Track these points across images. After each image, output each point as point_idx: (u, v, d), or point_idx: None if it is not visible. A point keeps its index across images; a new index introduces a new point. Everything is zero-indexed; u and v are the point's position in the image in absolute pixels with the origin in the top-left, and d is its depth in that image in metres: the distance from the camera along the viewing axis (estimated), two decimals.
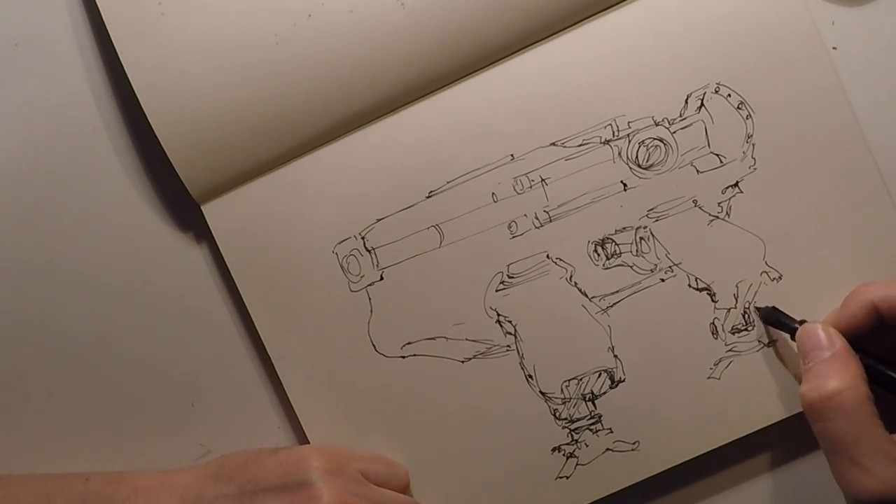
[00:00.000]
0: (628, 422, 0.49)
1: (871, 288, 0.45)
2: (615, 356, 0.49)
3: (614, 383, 0.49)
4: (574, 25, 0.49)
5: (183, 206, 0.50)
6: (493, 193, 0.49)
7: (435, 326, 0.50)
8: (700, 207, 0.49)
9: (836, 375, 0.43)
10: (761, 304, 0.48)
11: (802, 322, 0.47)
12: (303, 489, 0.45)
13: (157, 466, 0.49)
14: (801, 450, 0.51)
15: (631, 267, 0.49)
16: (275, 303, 0.50)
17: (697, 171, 0.49)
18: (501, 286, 0.49)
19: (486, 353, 0.50)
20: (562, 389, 0.49)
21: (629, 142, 0.49)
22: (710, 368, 0.49)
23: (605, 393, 0.49)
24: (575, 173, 0.49)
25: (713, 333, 0.49)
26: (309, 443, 0.50)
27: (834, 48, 0.49)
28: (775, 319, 0.48)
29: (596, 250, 0.49)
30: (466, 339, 0.50)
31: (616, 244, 0.49)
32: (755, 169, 0.48)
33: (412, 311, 0.50)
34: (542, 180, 0.49)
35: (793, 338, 0.47)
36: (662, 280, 0.49)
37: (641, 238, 0.49)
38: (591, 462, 0.50)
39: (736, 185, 0.49)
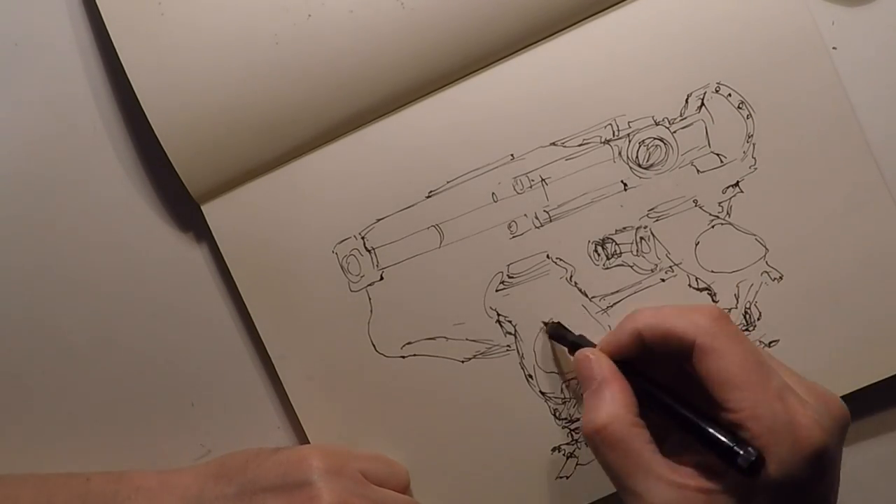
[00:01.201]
0: None
1: (640, 315, 0.45)
2: None
3: None
4: (574, 25, 0.49)
5: (183, 206, 0.50)
6: (493, 193, 0.49)
7: (435, 326, 0.50)
8: (700, 207, 0.49)
9: (601, 408, 0.43)
10: (547, 319, 0.49)
11: (580, 336, 0.47)
12: (303, 489, 0.45)
13: (157, 466, 0.49)
14: None
15: (631, 267, 0.49)
16: (275, 303, 0.50)
17: (698, 170, 0.49)
18: (501, 286, 0.49)
19: (486, 353, 0.50)
20: (562, 389, 0.49)
21: (629, 141, 0.49)
22: None
23: None
24: (575, 173, 0.49)
25: None
26: (309, 443, 0.50)
27: (834, 48, 0.48)
28: (559, 335, 0.48)
29: (596, 250, 0.49)
30: (466, 339, 0.50)
31: (616, 244, 0.49)
32: (756, 169, 0.48)
33: (412, 311, 0.50)
34: (542, 180, 0.49)
35: (571, 353, 0.48)
36: (663, 280, 0.49)
37: (642, 238, 0.49)
38: (591, 462, 0.49)
39: (736, 184, 0.49)
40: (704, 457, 0.42)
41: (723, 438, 0.41)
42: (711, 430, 0.42)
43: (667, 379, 0.45)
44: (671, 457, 0.43)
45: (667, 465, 0.42)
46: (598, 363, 0.45)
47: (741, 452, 0.40)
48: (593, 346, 0.47)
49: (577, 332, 0.48)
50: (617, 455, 0.42)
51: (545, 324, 0.49)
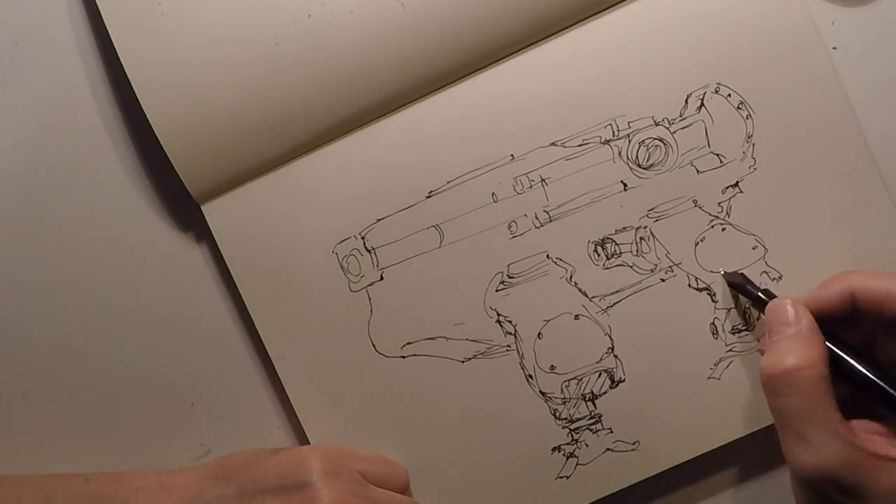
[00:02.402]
0: (628, 422, 0.49)
1: (854, 276, 0.45)
2: (615, 356, 0.49)
3: (614, 383, 0.49)
4: (574, 25, 0.49)
5: (183, 206, 0.50)
6: (493, 193, 0.49)
7: (435, 326, 0.50)
8: (700, 207, 0.49)
9: (796, 352, 0.43)
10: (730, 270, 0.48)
11: (766, 291, 0.47)
12: (302, 490, 0.45)
13: (157, 466, 0.49)
14: None
15: (631, 267, 0.49)
16: (275, 303, 0.50)
17: (697, 170, 0.49)
18: (501, 286, 0.49)
19: (486, 353, 0.50)
20: (562, 389, 0.49)
21: (629, 142, 0.49)
22: (711, 368, 0.49)
23: (605, 393, 0.49)
24: (575, 173, 0.49)
25: (713, 333, 0.49)
26: (309, 443, 0.50)
27: (834, 48, 0.49)
28: (740, 284, 0.48)
29: (596, 250, 0.49)
30: (466, 339, 0.50)
31: (616, 244, 0.49)
32: (755, 169, 0.48)
33: (412, 311, 0.50)
34: (542, 180, 0.49)
35: (754, 305, 0.47)
36: (662, 280, 0.49)
37: (641, 238, 0.49)
38: (591, 462, 0.49)
39: (736, 184, 0.49)
40: (883, 426, 0.42)
41: None
42: None
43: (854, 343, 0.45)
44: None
45: (845, 424, 0.42)
46: (798, 313, 0.44)
47: None
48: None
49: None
50: (800, 400, 0.42)
51: (726, 273, 0.48)
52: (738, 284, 0.48)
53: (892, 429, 0.43)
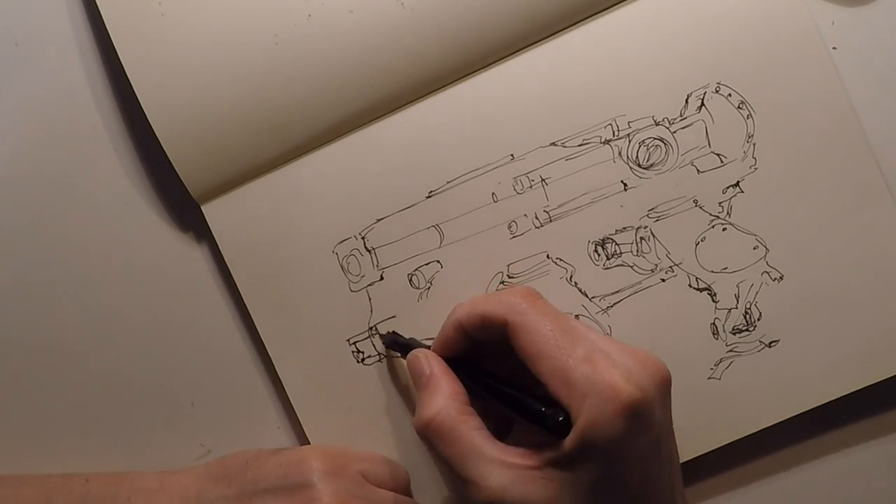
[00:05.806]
0: None
1: (459, 308, 0.46)
2: None
3: None
4: (574, 25, 0.49)
5: (183, 206, 0.50)
6: (493, 193, 0.49)
7: (435, 326, 0.49)
8: (701, 207, 0.49)
9: (428, 401, 0.44)
10: (384, 331, 0.49)
11: (412, 339, 0.48)
12: (303, 490, 0.45)
13: (157, 466, 0.49)
14: (801, 451, 0.50)
15: (631, 267, 0.49)
16: (275, 303, 0.50)
17: (698, 170, 0.49)
18: (501, 286, 0.49)
19: None
20: None
21: (629, 141, 0.49)
22: (711, 369, 0.49)
23: None
24: (575, 173, 0.49)
25: (714, 334, 0.49)
26: (309, 443, 0.50)
27: (834, 48, 0.49)
28: (392, 342, 0.49)
29: (596, 250, 0.49)
30: None
31: (616, 244, 0.49)
32: (756, 169, 0.48)
33: (412, 311, 0.49)
34: (542, 180, 0.49)
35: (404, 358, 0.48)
36: (663, 280, 0.49)
37: (642, 238, 0.49)
38: None
39: (737, 184, 0.49)
40: (538, 437, 0.43)
41: (532, 403, 0.42)
42: (521, 398, 0.43)
43: (506, 372, 0.45)
44: (513, 445, 0.43)
45: (498, 449, 0.43)
46: (426, 361, 0.46)
47: (549, 413, 0.41)
48: (427, 347, 0.47)
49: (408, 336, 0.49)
50: (447, 444, 0.43)
51: (381, 335, 0.49)
52: (389, 343, 0.49)
53: (545, 436, 0.43)
